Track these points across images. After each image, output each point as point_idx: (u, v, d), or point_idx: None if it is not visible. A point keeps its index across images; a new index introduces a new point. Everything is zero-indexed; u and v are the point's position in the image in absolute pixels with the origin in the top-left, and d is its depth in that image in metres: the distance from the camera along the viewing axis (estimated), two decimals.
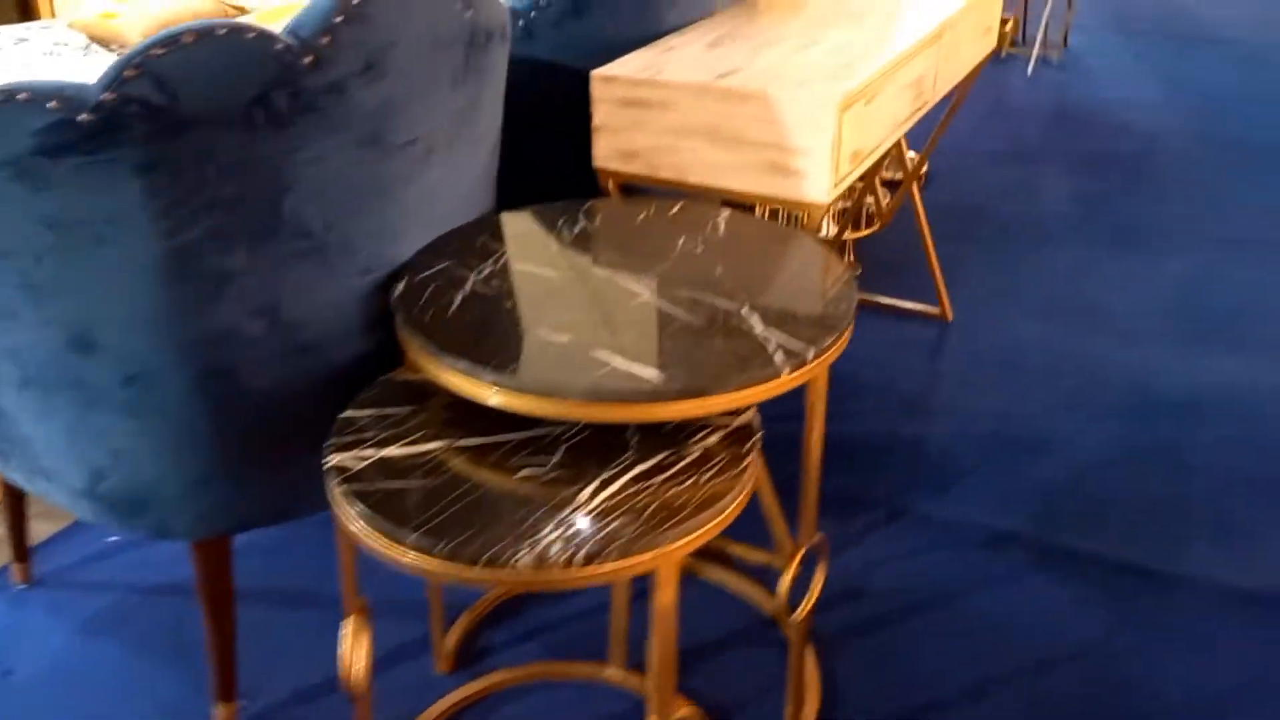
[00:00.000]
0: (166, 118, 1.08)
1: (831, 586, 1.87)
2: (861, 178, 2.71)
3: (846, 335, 1.27)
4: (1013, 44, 5.68)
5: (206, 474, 1.32)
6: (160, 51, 1.07)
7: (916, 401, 2.44)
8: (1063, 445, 2.27)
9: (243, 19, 1.14)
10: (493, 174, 1.57)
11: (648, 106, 1.61)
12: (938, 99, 2.03)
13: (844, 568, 1.91)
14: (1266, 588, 1.87)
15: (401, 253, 1.36)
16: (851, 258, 3.10)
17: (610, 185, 1.69)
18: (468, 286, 1.30)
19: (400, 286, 1.29)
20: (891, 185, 3.53)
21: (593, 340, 1.19)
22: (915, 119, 1.90)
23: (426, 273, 1.33)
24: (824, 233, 3.14)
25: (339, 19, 1.14)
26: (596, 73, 1.62)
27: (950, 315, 2.82)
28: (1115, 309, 2.86)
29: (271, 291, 1.23)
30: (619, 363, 1.15)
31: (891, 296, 2.90)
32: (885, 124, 1.72)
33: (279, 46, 1.11)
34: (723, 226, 1.48)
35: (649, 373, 1.14)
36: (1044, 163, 4.01)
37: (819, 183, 1.54)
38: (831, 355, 1.23)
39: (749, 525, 2.00)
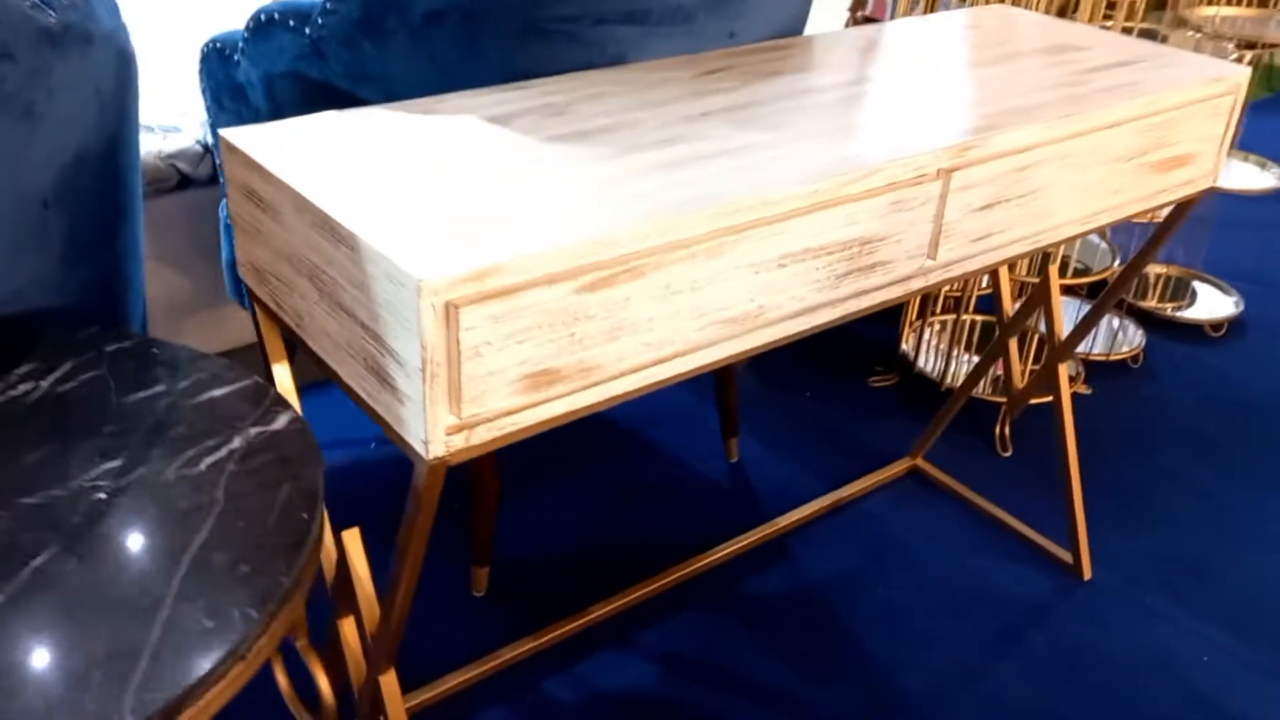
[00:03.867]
0: None
1: None
2: (1000, 325, 1.78)
3: None
4: None
5: None
6: None
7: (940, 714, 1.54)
8: None
9: None
10: None
11: (263, 207, 0.96)
12: (993, 264, 1.14)
13: None
14: None
15: None
16: (1003, 430, 2.13)
17: (261, 316, 1.06)
18: None
19: None
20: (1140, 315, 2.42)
21: None
22: (866, 305, 1.05)
23: None
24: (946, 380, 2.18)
25: None
26: (224, 133, 1.00)
27: (1087, 573, 1.81)
28: None
29: None
30: None
31: (1023, 516, 1.93)
32: (697, 322, 0.92)
33: None
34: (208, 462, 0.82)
35: None
36: None
37: (414, 420, 0.82)
38: None
39: None
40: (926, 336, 2.40)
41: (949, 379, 2.28)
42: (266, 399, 0.89)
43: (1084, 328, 1.65)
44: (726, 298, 0.94)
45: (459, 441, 0.82)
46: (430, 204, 0.87)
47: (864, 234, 1.01)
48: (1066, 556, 1.83)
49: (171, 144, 1.85)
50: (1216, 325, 2.60)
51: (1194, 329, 2.60)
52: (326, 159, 0.95)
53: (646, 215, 0.87)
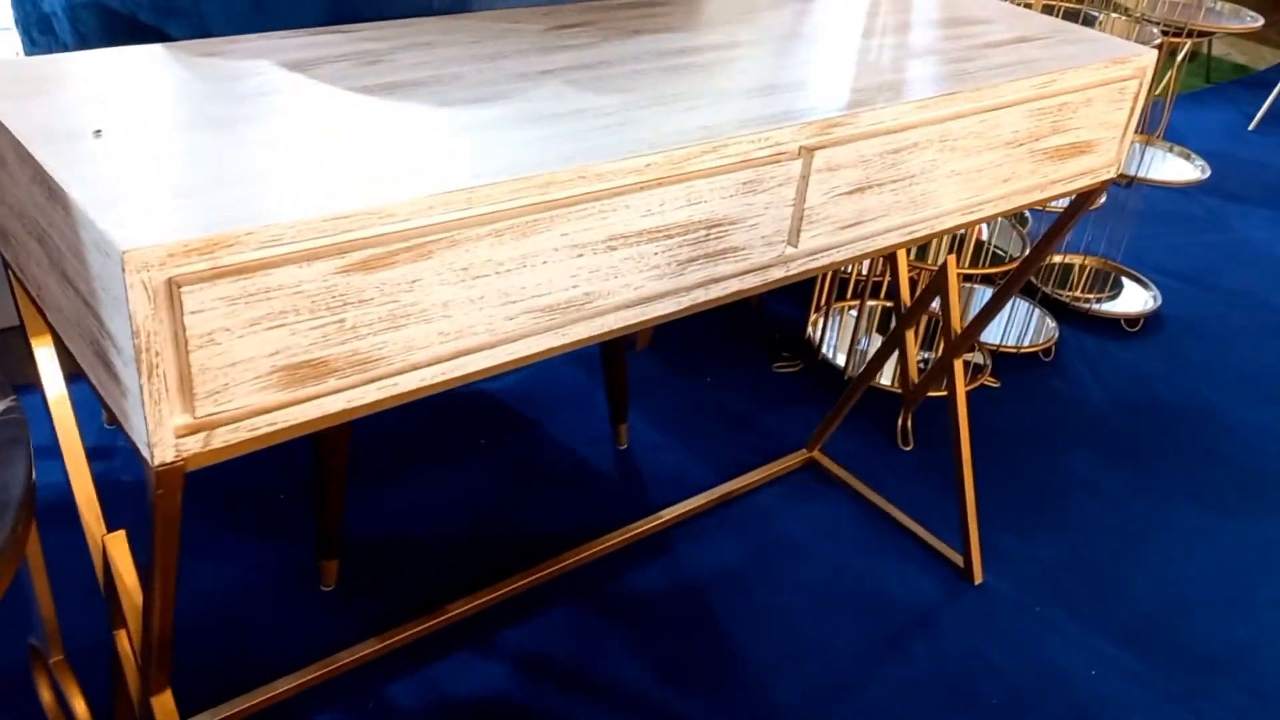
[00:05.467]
0: None
1: None
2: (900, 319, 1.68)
3: None
4: None
5: None
6: None
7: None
8: None
9: None
10: None
11: None
12: (865, 254, 1.03)
13: None
14: None
15: None
16: (904, 423, 2.04)
17: (16, 284, 0.92)
18: None
19: None
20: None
21: None
22: (716, 296, 0.94)
23: None
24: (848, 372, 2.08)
25: None
26: None
27: (978, 577, 1.74)
28: (1268, 665, 1.62)
29: None
30: None
31: (918, 516, 1.84)
32: (507, 310, 0.80)
33: None
34: None
35: None
36: None
37: (137, 418, 0.69)
38: None
39: None
40: (835, 323, 2.31)
41: (854, 367, 2.19)
42: None
43: (982, 320, 1.56)
44: (543, 283, 0.82)
45: (194, 444, 0.69)
46: (171, 162, 0.73)
47: (711, 216, 0.89)
48: (959, 559, 1.75)
49: None
50: (1131, 320, 2.54)
51: (1110, 323, 2.54)
52: (67, 103, 0.80)
53: (434, 185, 0.74)
